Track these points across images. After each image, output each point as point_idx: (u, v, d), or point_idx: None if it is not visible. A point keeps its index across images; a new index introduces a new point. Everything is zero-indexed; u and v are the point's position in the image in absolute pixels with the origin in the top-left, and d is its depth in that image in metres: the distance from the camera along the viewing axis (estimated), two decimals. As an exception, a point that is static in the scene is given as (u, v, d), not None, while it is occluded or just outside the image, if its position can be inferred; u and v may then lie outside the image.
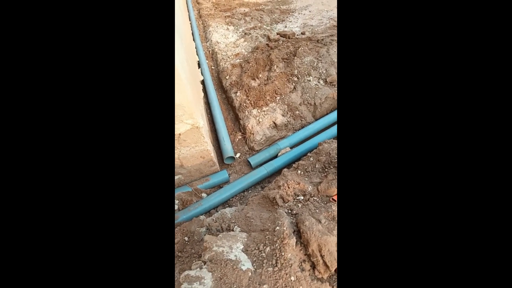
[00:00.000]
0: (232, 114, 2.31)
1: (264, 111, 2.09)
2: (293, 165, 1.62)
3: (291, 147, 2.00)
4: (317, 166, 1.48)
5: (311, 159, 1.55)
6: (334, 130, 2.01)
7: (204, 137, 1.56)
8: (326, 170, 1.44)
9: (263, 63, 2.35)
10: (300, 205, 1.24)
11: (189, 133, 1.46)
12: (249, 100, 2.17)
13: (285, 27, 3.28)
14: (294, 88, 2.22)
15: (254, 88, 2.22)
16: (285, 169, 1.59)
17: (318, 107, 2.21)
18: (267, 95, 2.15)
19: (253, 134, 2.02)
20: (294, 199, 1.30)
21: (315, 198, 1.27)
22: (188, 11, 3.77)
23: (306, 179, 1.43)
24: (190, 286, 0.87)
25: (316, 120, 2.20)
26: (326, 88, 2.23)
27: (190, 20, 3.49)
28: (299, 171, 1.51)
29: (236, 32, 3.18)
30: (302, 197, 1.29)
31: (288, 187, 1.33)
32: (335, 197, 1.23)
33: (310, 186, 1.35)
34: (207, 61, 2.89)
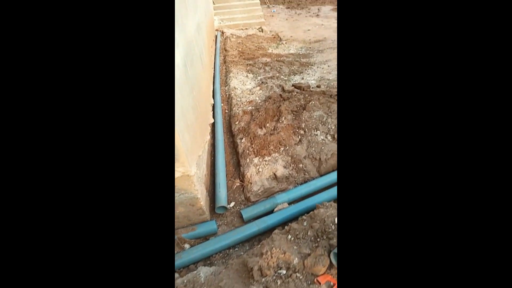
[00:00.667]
0: (235, 159, 2.29)
1: (265, 160, 2.04)
2: (286, 227, 1.49)
3: (290, 203, 1.87)
4: (309, 233, 1.34)
5: (305, 223, 1.42)
6: (335, 190, 1.88)
7: (195, 184, 1.52)
8: (318, 240, 1.29)
9: (272, 113, 2.39)
10: (279, 282, 1.09)
11: (179, 180, 1.44)
12: (252, 147, 2.16)
13: (302, 79, 3.40)
14: (300, 140, 2.18)
15: (259, 136, 2.22)
16: (276, 230, 1.46)
17: (323, 162, 2.11)
18: (271, 145, 2.13)
19: (251, 183, 1.95)
20: (275, 272, 1.15)
21: (298, 275, 1.11)
22: (215, 57, 4.12)
23: (295, 247, 1.29)
24: None
25: (321, 175, 2.09)
26: (333, 144, 2.16)
27: (214, 66, 3.78)
28: (289, 236, 1.37)
29: (254, 80, 3.36)
30: (284, 272, 1.14)
31: (272, 256, 1.20)
32: (321, 279, 1.07)
33: (297, 258, 1.20)
34: (222, 104, 3.02)
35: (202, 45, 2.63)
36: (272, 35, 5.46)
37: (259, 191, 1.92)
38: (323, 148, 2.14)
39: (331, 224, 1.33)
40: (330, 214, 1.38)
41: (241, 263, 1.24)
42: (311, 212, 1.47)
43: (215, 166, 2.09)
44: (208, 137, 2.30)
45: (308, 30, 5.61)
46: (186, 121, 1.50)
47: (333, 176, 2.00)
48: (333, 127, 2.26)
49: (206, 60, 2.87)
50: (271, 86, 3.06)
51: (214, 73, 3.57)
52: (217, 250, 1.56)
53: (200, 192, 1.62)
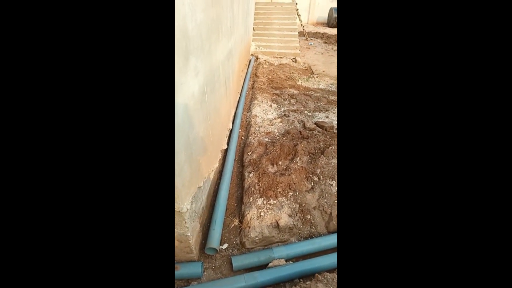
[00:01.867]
0: (240, 193, 2.14)
1: (270, 204, 1.87)
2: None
3: (288, 259, 1.65)
4: (299, 314, 1.11)
5: None
6: (345, 257, 1.62)
7: (186, 222, 1.39)
8: (309, 328, 1.06)
9: (288, 151, 2.24)
10: None
11: (169, 215, 1.32)
12: (259, 185, 2.00)
13: (327, 117, 3.26)
14: (312, 188, 1.99)
15: (269, 174, 2.07)
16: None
17: (334, 218, 1.88)
18: (280, 187, 1.96)
19: (249, 227, 1.77)
20: None
21: None
22: (244, 81, 4.15)
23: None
24: None
25: (329, 233, 1.85)
26: (349, 200, 1.93)
27: (241, 90, 3.79)
28: (276, 310, 1.16)
29: (277, 111, 3.27)
30: None
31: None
32: None
33: None
34: (239, 130, 2.95)
35: (230, 71, 2.63)
36: (305, 67, 5.46)
37: (257, 238, 1.73)
38: (336, 201, 1.92)
39: (328, 310, 1.10)
40: (329, 295, 1.15)
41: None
42: (307, 285, 1.25)
43: (216, 200, 1.96)
44: (216, 165, 2.20)
45: (342, 67, 5.53)
46: (191, 152, 1.41)
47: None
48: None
49: (232, 85, 2.86)
50: (293, 120, 2.95)
51: (239, 98, 3.56)
52: (194, 303, 1.37)
53: (191, 230, 1.48)
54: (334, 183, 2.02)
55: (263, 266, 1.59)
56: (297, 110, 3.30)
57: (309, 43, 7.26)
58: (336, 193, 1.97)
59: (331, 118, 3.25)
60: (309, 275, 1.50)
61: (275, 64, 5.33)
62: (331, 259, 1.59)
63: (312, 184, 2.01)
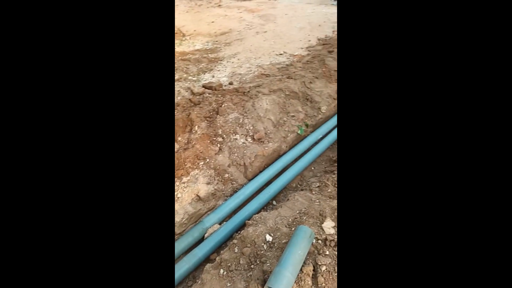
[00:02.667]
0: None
1: (184, 182, 1.78)
2: (217, 258, 1.30)
3: (221, 222, 1.70)
4: (241, 261, 1.20)
5: (236, 249, 1.27)
6: (267, 194, 1.81)
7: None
8: (252, 267, 1.16)
9: (183, 123, 2.11)
10: None
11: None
12: (167, 169, 1.85)
13: (213, 77, 3.19)
14: (220, 149, 2.00)
15: (173, 154, 1.92)
16: (207, 266, 1.27)
17: (249, 167, 2.01)
18: (188, 162, 1.87)
19: (172, 213, 1.66)
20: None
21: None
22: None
23: (229, 284, 1.13)
24: None
25: (249, 180, 1.98)
26: (255, 146, 2.07)
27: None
28: (221, 271, 1.20)
29: (159, 85, 2.94)
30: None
31: (202, 309, 1.00)
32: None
33: (232, 299, 1.04)
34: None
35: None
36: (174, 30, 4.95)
37: (184, 220, 1.67)
38: (245, 152, 2.03)
39: (262, 244, 1.22)
40: (260, 232, 1.27)
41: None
42: (240, 234, 1.33)
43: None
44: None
45: (212, 22, 5.35)
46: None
47: (260, 180, 1.92)
48: (251, 127, 2.17)
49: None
50: (178, 90, 2.73)
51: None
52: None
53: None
54: (238, 136, 2.10)
55: (201, 241, 1.59)
56: (180, 78, 3.06)
57: (170, 2, 6.52)
58: (243, 144, 2.06)
59: (217, 76, 3.20)
60: (243, 225, 1.61)
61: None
62: (257, 202, 1.74)
63: (219, 146, 2.02)
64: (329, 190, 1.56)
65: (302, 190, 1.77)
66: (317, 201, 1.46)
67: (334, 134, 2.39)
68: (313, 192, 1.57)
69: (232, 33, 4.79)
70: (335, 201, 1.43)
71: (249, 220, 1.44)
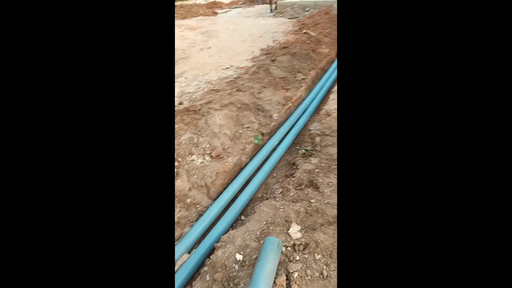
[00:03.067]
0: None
1: (143, 217, 1.65)
2: (189, 291, 1.22)
3: (190, 250, 1.61)
4: (215, 289, 1.14)
5: (207, 277, 1.21)
6: (234, 211, 1.78)
7: None
8: (227, 292, 1.12)
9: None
10: None
11: None
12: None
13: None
14: (177, 174, 1.92)
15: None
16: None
17: (211, 186, 1.96)
18: (144, 194, 1.74)
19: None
20: None
21: None
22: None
23: (205, 317, 1.06)
24: None
25: (214, 200, 1.93)
26: (214, 163, 2.04)
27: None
28: (195, 305, 1.12)
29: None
30: None
31: None
32: None
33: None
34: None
35: None
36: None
37: (148, 258, 1.53)
38: (205, 171, 1.98)
39: (233, 265, 1.18)
40: (229, 253, 1.24)
41: None
42: (210, 260, 1.28)
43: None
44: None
45: (153, 43, 5.19)
46: None
47: (224, 198, 1.88)
48: (208, 145, 2.13)
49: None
50: (125, 119, 2.56)
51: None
52: None
53: None
54: (195, 156, 2.04)
55: (170, 276, 1.47)
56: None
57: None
58: (201, 164, 2.01)
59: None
60: (213, 248, 1.55)
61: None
62: (224, 222, 1.70)
63: (176, 170, 1.93)
64: (291, 194, 1.61)
65: (267, 199, 1.79)
66: (282, 207, 1.49)
67: (289, 138, 2.49)
68: (277, 199, 1.60)
69: (176, 52, 4.71)
70: (298, 204, 1.48)
71: (217, 242, 1.39)
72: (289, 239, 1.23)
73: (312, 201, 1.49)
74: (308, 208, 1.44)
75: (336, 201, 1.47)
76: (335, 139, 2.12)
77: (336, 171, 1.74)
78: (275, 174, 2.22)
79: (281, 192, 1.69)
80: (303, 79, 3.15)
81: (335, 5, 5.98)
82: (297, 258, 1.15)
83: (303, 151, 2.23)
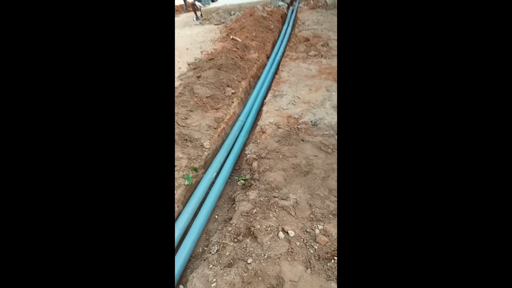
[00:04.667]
0: None
1: None
2: None
3: None
4: None
5: None
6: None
7: None
8: None
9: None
10: None
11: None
12: None
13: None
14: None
15: None
16: None
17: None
18: None
19: None
20: None
21: None
22: None
23: None
24: None
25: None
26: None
27: None
28: None
29: None
30: None
31: None
32: None
33: None
34: None
35: None
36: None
37: None
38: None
39: None
40: None
41: None
42: None
43: None
44: None
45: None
46: None
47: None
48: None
49: None
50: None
51: None
52: None
53: None
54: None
55: None
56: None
57: None
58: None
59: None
60: None
61: None
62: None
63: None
64: (227, 254, 1.31)
65: (204, 259, 1.46)
66: (214, 280, 1.18)
67: (228, 166, 2.20)
68: (211, 266, 1.28)
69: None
70: (233, 271, 1.19)
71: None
72: None
73: (249, 260, 1.21)
74: (245, 274, 1.15)
75: (277, 253, 1.22)
76: (272, 162, 1.89)
77: (275, 206, 1.50)
78: (216, 216, 1.90)
79: (217, 250, 1.38)
80: (233, 93, 2.88)
81: (259, 6, 5.88)
82: None
83: (242, 181, 1.96)
